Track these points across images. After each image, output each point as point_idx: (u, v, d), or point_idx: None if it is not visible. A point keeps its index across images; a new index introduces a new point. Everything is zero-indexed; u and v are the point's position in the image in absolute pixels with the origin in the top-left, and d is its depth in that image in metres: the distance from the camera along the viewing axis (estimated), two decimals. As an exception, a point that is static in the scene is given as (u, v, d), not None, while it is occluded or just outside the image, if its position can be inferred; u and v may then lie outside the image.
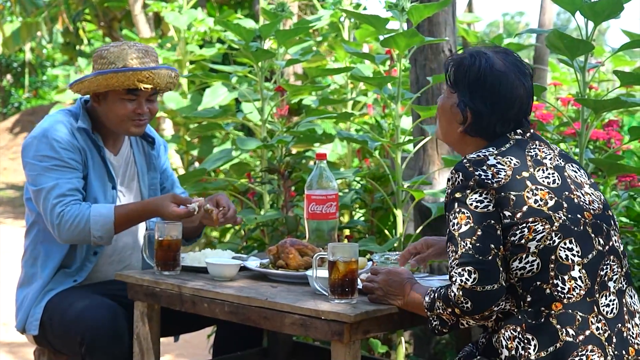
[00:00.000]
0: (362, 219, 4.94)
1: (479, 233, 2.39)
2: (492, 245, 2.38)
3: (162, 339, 3.26)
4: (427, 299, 2.51)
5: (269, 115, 4.66)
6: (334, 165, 6.54)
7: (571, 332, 2.35)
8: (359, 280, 2.68)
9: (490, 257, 2.37)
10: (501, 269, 2.38)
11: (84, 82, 3.32)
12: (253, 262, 3.15)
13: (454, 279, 2.40)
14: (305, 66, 7.38)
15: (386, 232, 4.36)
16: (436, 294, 2.47)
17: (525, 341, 2.37)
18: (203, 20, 8.98)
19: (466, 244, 2.39)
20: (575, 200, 2.46)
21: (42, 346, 3.51)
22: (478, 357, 2.51)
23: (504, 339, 2.41)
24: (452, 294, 2.40)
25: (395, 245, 3.90)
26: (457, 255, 2.40)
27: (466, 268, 2.37)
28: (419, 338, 4.31)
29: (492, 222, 2.40)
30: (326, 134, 4.94)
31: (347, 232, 4.64)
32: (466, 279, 2.37)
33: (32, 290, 3.43)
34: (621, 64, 6.27)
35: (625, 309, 2.45)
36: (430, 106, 4.07)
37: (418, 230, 4.20)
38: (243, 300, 2.76)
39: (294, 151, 5.38)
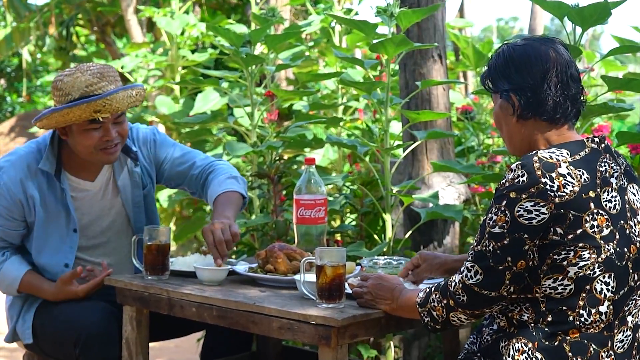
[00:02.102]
0: (353, 223, 4.95)
1: (505, 242, 2.35)
2: (510, 258, 2.35)
3: (154, 344, 3.27)
4: (421, 294, 2.52)
5: (259, 120, 4.67)
6: (325, 170, 6.54)
7: None
8: (347, 285, 2.69)
9: (501, 267, 2.36)
10: (508, 281, 2.36)
11: (42, 119, 3.21)
12: (242, 267, 3.16)
13: (461, 270, 2.42)
14: (295, 71, 7.39)
15: (375, 236, 4.37)
16: (433, 287, 2.49)
17: (534, 359, 2.36)
18: (195, 25, 8.99)
19: (488, 245, 2.37)
20: (627, 232, 2.41)
21: (33, 352, 3.51)
22: (479, 355, 2.51)
23: (512, 348, 2.40)
24: (453, 284, 2.42)
25: (385, 250, 3.91)
26: (475, 248, 2.40)
27: (475, 267, 2.38)
28: (408, 342, 4.32)
29: (526, 236, 2.33)
30: (316, 139, 4.96)
31: (338, 236, 4.65)
32: (471, 276, 2.38)
33: (19, 298, 3.44)
34: (612, 69, 6.28)
35: (636, 344, 2.45)
36: (420, 111, 4.08)
37: (407, 235, 4.22)
38: (231, 305, 2.77)
39: (285, 156, 5.38)
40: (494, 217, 2.38)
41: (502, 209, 2.36)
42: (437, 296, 2.46)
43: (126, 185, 3.48)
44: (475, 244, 2.42)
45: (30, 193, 3.31)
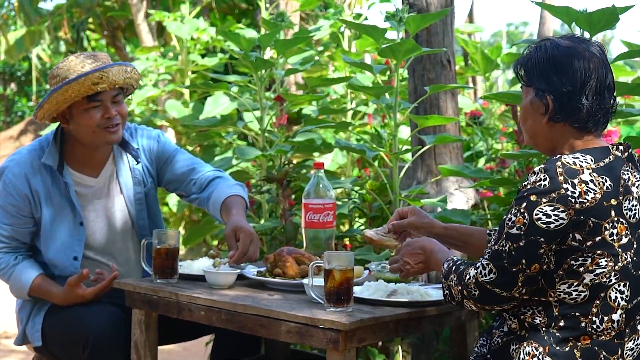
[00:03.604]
0: (362, 228, 4.95)
1: (521, 243, 2.36)
2: (524, 261, 2.35)
3: (162, 347, 3.28)
4: (445, 266, 2.56)
5: (268, 125, 4.68)
6: (334, 174, 6.55)
7: None
8: (355, 288, 2.71)
9: (515, 269, 2.36)
10: (520, 283, 2.37)
11: (43, 106, 3.28)
12: (250, 271, 3.17)
13: (476, 265, 2.43)
14: (305, 76, 7.40)
15: (384, 241, 4.36)
16: (454, 267, 2.51)
17: None
18: (205, 30, 9.01)
19: (505, 245, 2.38)
20: None
21: (43, 355, 3.53)
22: (488, 357, 2.51)
23: (523, 351, 2.40)
24: (467, 277, 2.44)
25: (392, 254, 3.91)
26: (493, 247, 2.41)
27: (490, 265, 2.39)
28: (416, 347, 4.32)
29: (542, 239, 2.34)
30: (325, 144, 4.96)
31: (347, 240, 4.65)
32: (485, 273, 2.40)
33: (29, 301, 3.46)
34: (621, 74, 6.27)
35: None
36: (428, 116, 4.09)
37: (416, 239, 4.21)
38: (239, 308, 2.78)
39: (294, 161, 5.39)
40: (513, 218, 2.38)
41: (522, 210, 2.37)
42: (455, 279, 2.49)
43: (127, 182, 3.53)
44: (492, 242, 2.43)
45: (35, 188, 3.36)
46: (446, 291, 2.54)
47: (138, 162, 3.54)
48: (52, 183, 3.39)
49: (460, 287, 2.46)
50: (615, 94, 2.51)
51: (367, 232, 2.94)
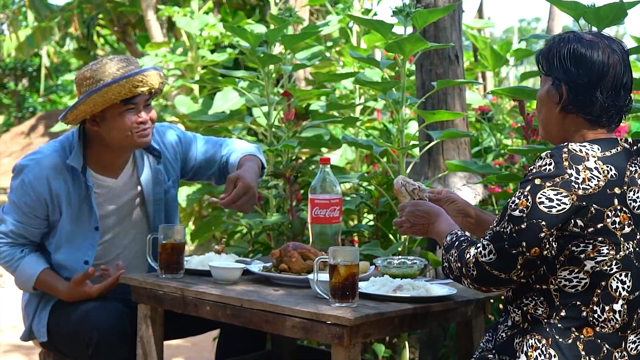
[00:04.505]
0: (371, 223, 4.95)
1: (522, 226, 2.36)
2: (524, 244, 2.35)
3: (171, 342, 3.28)
4: (448, 239, 2.58)
5: (276, 120, 4.67)
6: (343, 170, 6.54)
7: None
8: (360, 284, 2.70)
9: (514, 252, 2.36)
10: (519, 266, 2.37)
11: (78, 107, 3.26)
12: (256, 266, 3.17)
13: (477, 245, 2.43)
14: (312, 71, 7.39)
15: (391, 236, 4.36)
16: (457, 242, 2.52)
17: (547, 356, 2.36)
18: (214, 25, 9.01)
19: (506, 228, 2.38)
20: None
21: (49, 350, 3.54)
22: (494, 352, 2.51)
23: (526, 345, 2.41)
24: (467, 255, 2.44)
25: (400, 249, 3.91)
26: (494, 228, 2.42)
27: (490, 246, 2.39)
28: (424, 343, 4.31)
29: (543, 223, 2.34)
30: (333, 139, 4.95)
31: (355, 236, 4.65)
32: (485, 254, 2.40)
33: (35, 296, 3.47)
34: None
35: None
36: (435, 111, 4.08)
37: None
38: (245, 303, 2.78)
39: (303, 157, 5.39)
40: (516, 201, 2.39)
41: (525, 193, 2.38)
42: (455, 255, 2.49)
43: (148, 182, 3.53)
44: (495, 224, 2.43)
45: (56, 191, 3.35)
46: (445, 264, 2.55)
47: (159, 162, 3.54)
48: (72, 185, 3.38)
49: (459, 264, 2.47)
50: (631, 95, 2.51)
51: (399, 177, 2.92)
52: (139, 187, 3.52)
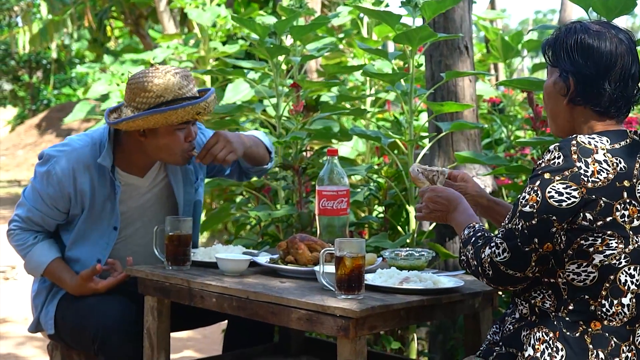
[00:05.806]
0: (381, 215, 4.94)
1: (533, 222, 2.34)
2: (536, 240, 2.34)
3: (181, 334, 3.28)
4: (465, 232, 2.56)
5: (285, 112, 4.66)
6: (353, 162, 6.53)
7: (601, 355, 2.33)
8: (367, 276, 2.69)
9: (527, 249, 2.35)
10: (534, 263, 2.36)
11: (136, 121, 3.18)
12: (263, 258, 3.16)
13: (491, 244, 2.41)
14: (322, 63, 7.37)
15: (399, 228, 4.35)
16: (474, 238, 2.49)
17: (554, 349, 2.35)
18: (226, 17, 9.01)
19: (518, 224, 2.36)
20: None
21: (56, 342, 3.54)
22: (500, 344, 2.50)
23: (533, 337, 2.40)
24: (483, 254, 2.42)
25: (408, 241, 3.90)
26: (507, 226, 2.40)
27: (503, 244, 2.38)
28: (433, 335, 4.31)
29: (554, 218, 2.32)
30: (342, 131, 4.94)
31: (364, 227, 4.64)
32: (499, 253, 2.38)
33: (44, 288, 3.47)
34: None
35: None
36: (443, 102, 4.06)
37: (431, 227, 4.20)
38: (250, 295, 2.77)
39: (313, 148, 5.38)
40: (527, 197, 2.37)
41: (535, 188, 2.36)
42: (472, 253, 2.47)
43: (179, 182, 3.50)
44: (507, 221, 2.41)
45: (80, 187, 3.32)
46: (462, 257, 2.53)
47: (190, 162, 3.48)
48: (98, 182, 3.35)
49: (475, 263, 2.45)
50: (639, 86, 2.48)
51: (414, 165, 2.91)
52: (167, 187, 3.50)
